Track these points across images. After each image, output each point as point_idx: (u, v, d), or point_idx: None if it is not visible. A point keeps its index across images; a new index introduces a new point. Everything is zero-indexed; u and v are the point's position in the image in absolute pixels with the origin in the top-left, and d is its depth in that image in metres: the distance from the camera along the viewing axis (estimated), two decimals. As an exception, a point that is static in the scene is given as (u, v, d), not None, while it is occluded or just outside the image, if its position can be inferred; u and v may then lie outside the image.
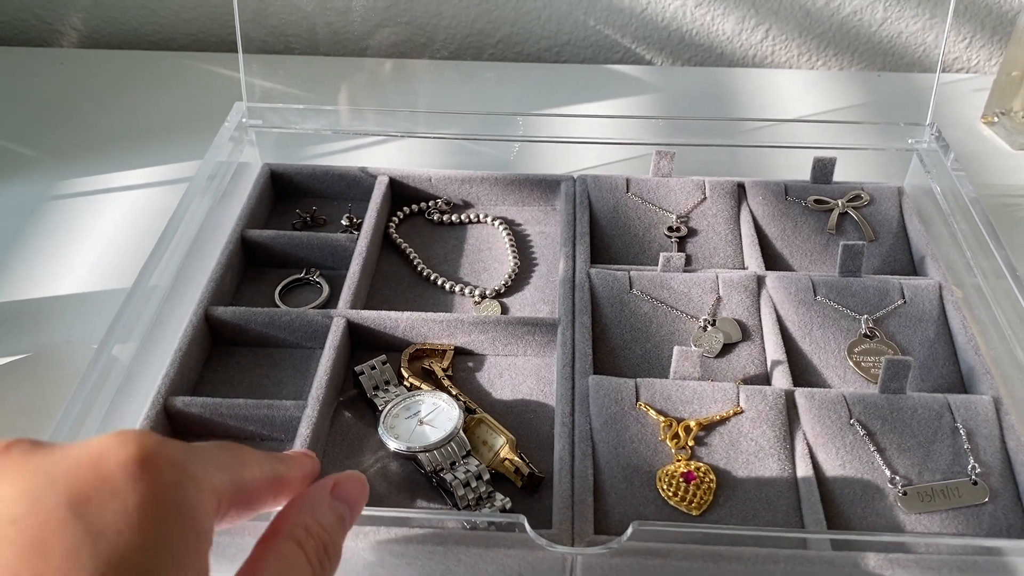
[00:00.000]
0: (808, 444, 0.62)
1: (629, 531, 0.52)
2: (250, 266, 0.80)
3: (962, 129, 1.07)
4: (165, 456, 0.34)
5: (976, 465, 0.60)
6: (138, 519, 0.31)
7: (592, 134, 0.90)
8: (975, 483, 0.60)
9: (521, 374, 0.71)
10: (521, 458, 0.63)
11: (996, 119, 1.06)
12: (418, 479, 0.63)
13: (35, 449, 0.33)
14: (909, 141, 0.86)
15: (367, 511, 0.57)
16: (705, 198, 0.83)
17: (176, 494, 0.33)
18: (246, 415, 0.64)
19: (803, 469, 0.60)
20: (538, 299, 0.79)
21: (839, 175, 0.85)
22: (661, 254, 0.74)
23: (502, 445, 0.64)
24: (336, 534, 0.40)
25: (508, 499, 0.60)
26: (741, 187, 0.84)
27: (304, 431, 0.62)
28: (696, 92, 1.14)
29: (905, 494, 0.59)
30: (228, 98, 0.89)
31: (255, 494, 0.39)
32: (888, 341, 0.70)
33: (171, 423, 0.65)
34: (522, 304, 0.78)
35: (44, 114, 1.07)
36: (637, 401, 0.63)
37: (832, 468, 0.61)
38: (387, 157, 0.96)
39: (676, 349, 0.65)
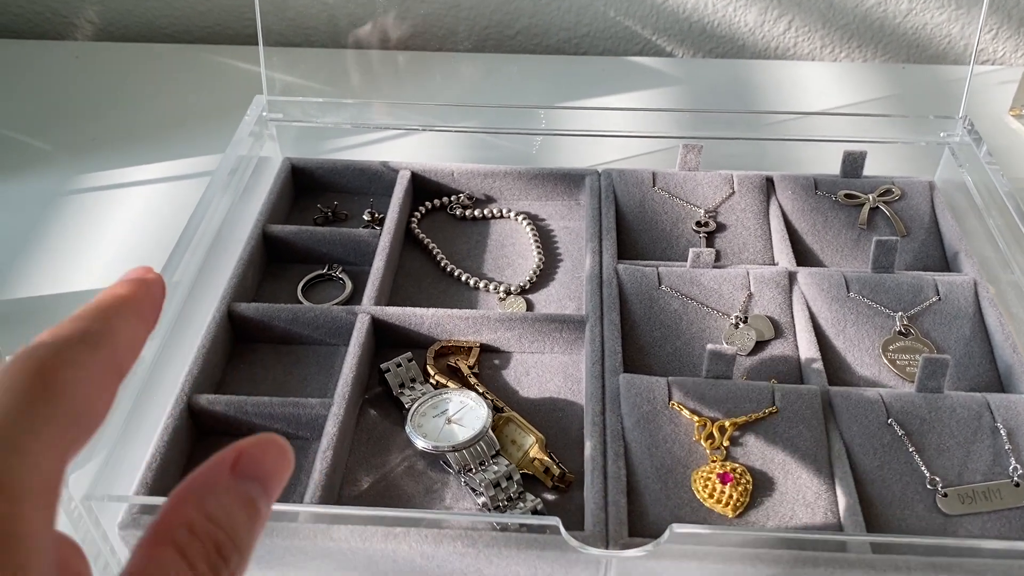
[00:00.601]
0: (845, 444, 0.61)
1: (667, 534, 0.51)
2: (272, 262, 0.79)
3: (989, 122, 1.05)
4: None
5: (1018, 466, 0.59)
6: None
7: (615, 128, 0.89)
8: (1017, 484, 0.58)
9: (548, 372, 0.70)
10: (551, 458, 0.62)
11: (1024, 112, 1.04)
12: (446, 479, 0.62)
13: None
14: (941, 135, 0.85)
15: (398, 512, 0.57)
16: (733, 192, 0.82)
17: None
18: (271, 413, 0.63)
19: (840, 470, 0.59)
20: (564, 295, 0.77)
21: (868, 169, 0.84)
22: (690, 250, 0.73)
23: (531, 444, 0.62)
24: (239, 527, 0.30)
25: (539, 500, 0.59)
26: (770, 181, 0.83)
27: (331, 429, 0.61)
28: (718, 85, 1.12)
29: (946, 496, 0.58)
30: (245, 91, 0.88)
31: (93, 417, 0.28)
32: (923, 339, 0.69)
33: (195, 421, 0.64)
34: (548, 300, 0.77)
35: (60, 108, 1.06)
36: (670, 400, 0.62)
37: (870, 469, 0.59)
38: (408, 151, 0.94)
39: (709, 347, 0.63)
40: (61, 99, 1.08)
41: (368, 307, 0.71)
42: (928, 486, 0.59)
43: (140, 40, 1.22)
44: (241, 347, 0.72)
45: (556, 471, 0.61)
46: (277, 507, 0.58)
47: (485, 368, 0.71)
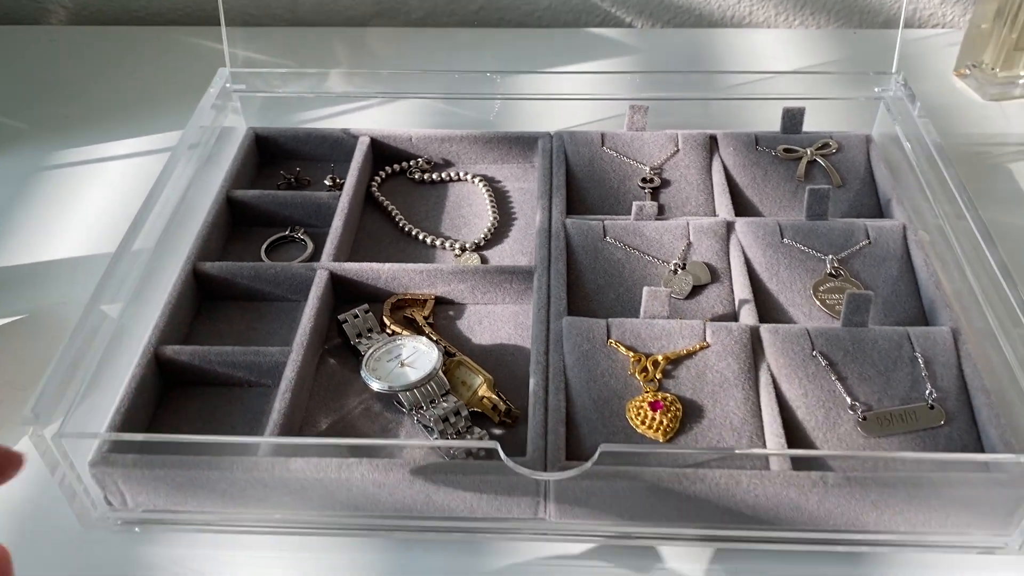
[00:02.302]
0: (772, 375, 0.65)
1: (596, 455, 0.55)
2: (237, 225, 0.83)
3: (936, 82, 1.09)
4: None
5: (933, 391, 0.63)
6: None
7: (569, 92, 0.93)
8: (932, 407, 0.62)
9: (499, 321, 0.74)
10: (499, 395, 0.66)
11: (968, 72, 1.08)
12: (400, 419, 0.66)
13: None
14: (876, 90, 0.88)
15: (349, 441, 0.61)
16: (678, 150, 0.85)
17: None
18: (233, 361, 0.67)
19: (767, 398, 0.63)
20: (516, 251, 0.81)
21: (810, 126, 0.88)
22: (634, 203, 0.77)
23: (480, 384, 0.66)
24: None
25: (485, 432, 0.63)
26: (713, 139, 0.87)
27: (290, 374, 0.64)
28: (675, 53, 1.16)
29: (865, 419, 0.62)
30: (215, 69, 0.91)
31: None
32: (852, 279, 0.73)
33: (161, 372, 0.67)
34: (501, 256, 0.81)
35: (35, 89, 1.09)
36: (608, 339, 0.66)
37: (795, 396, 0.63)
38: (369, 119, 0.98)
39: (646, 289, 0.67)
40: (37, 81, 1.11)
41: (327, 263, 0.74)
42: (849, 411, 0.63)
43: (113, 23, 1.25)
44: (207, 304, 0.75)
45: (503, 407, 0.65)
46: (239, 439, 0.62)
47: (440, 319, 0.75)
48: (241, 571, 0.60)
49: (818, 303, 0.71)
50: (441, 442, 0.60)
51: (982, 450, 0.61)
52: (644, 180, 0.83)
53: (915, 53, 1.14)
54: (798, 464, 0.58)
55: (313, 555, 0.60)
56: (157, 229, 0.73)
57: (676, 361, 0.65)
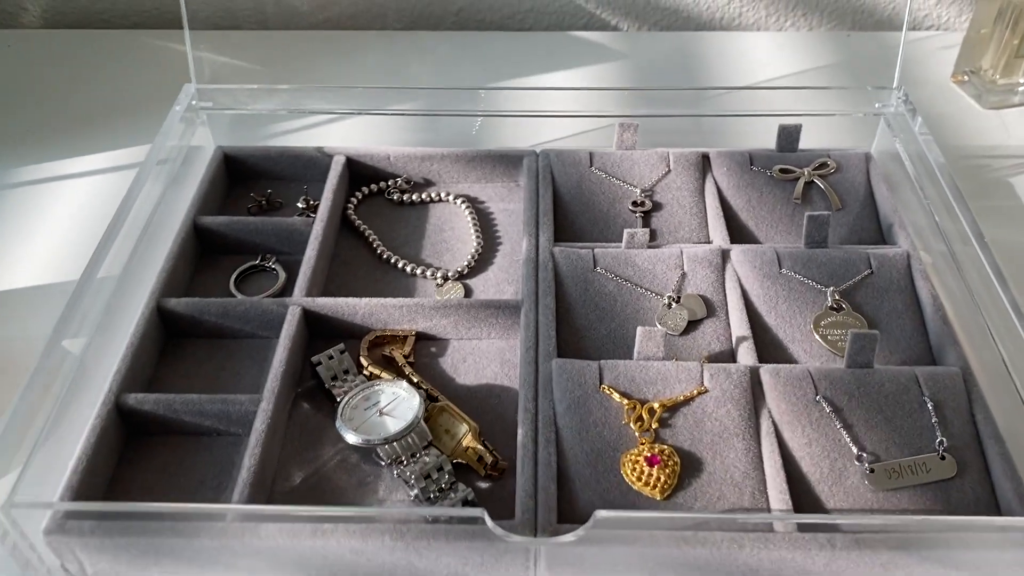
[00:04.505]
0: (774, 422, 0.61)
1: (591, 521, 0.51)
2: (204, 253, 0.78)
3: (932, 88, 1.05)
4: None
5: (944, 440, 0.60)
6: None
7: (556, 106, 0.88)
8: (943, 458, 0.59)
9: (485, 358, 0.70)
10: (485, 446, 0.62)
11: (966, 78, 1.05)
12: (379, 471, 0.62)
13: None
14: (876, 105, 0.85)
15: (328, 510, 0.57)
16: (669, 170, 0.81)
17: None
18: (201, 410, 0.63)
19: (769, 448, 0.60)
20: (502, 279, 0.77)
21: (806, 142, 0.84)
22: (625, 231, 0.73)
23: (464, 433, 0.62)
24: None
25: (470, 490, 0.59)
26: (706, 158, 0.83)
27: (259, 426, 0.60)
28: (663, 58, 1.12)
29: (872, 471, 0.58)
30: (182, 76, 0.86)
31: None
32: (855, 313, 0.69)
33: (124, 422, 0.63)
34: (486, 285, 0.77)
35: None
36: (601, 384, 0.62)
37: (798, 446, 0.60)
38: (344, 135, 0.93)
39: (639, 329, 0.63)
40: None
41: (299, 299, 0.70)
42: (856, 462, 0.59)
43: (78, 27, 1.20)
44: (172, 343, 0.71)
45: (489, 459, 0.61)
46: (205, 507, 0.58)
47: (421, 357, 0.70)
48: (209, 643, 0.56)
49: (819, 339, 0.68)
50: (425, 509, 0.56)
51: (996, 503, 0.58)
52: (635, 203, 0.79)
53: (910, 57, 1.10)
54: (804, 524, 0.55)
55: (286, 624, 0.57)
56: (121, 258, 0.69)
57: (672, 408, 0.61)
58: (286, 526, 0.54)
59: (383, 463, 0.61)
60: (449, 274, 0.77)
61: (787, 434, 0.61)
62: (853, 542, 0.53)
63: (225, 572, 0.56)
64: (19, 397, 0.57)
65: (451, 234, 0.82)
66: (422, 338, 0.71)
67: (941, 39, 1.16)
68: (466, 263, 0.78)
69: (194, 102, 0.83)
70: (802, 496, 0.58)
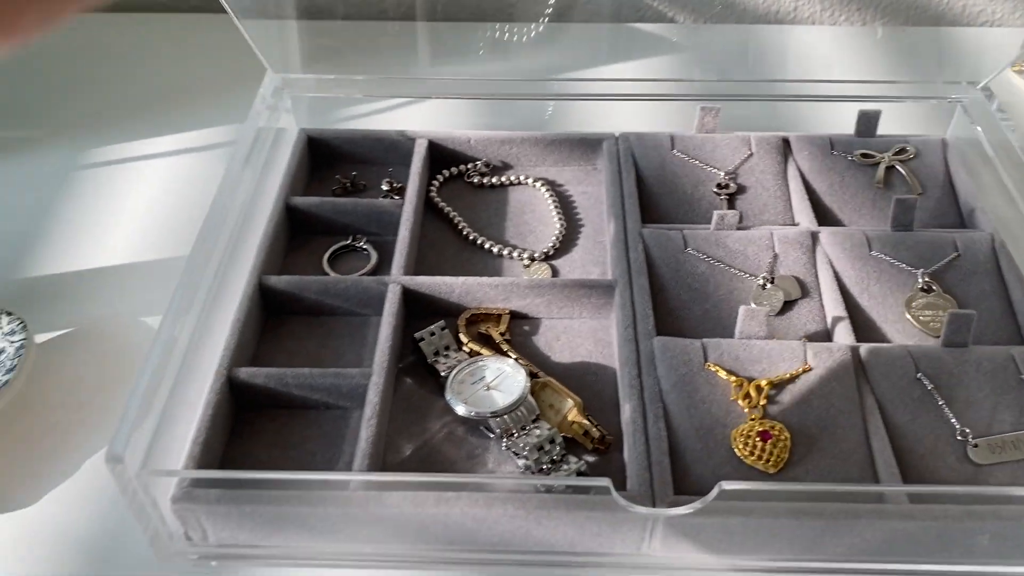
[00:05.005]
0: (876, 400, 0.62)
1: (716, 491, 0.52)
2: (295, 234, 0.79)
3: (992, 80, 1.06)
4: None
5: (1044, 416, 0.61)
6: None
7: (629, 92, 0.89)
8: (1044, 434, 0.60)
9: (578, 337, 0.71)
10: (590, 420, 0.63)
11: (1027, 68, 1.06)
12: (486, 444, 0.63)
13: None
14: (952, 95, 0.85)
15: (448, 478, 0.58)
16: (751, 154, 0.82)
17: None
18: (312, 384, 0.64)
19: (873, 424, 0.61)
20: (588, 261, 0.78)
21: (881, 129, 0.85)
22: (714, 212, 0.74)
23: (570, 408, 0.63)
24: None
25: (583, 461, 0.60)
26: (786, 142, 0.84)
27: (373, 398, 0.61)
28: (723, 50, 1.12)
29: (976, 446, 0.60)
30: (251, 61, 0.87)
31: None
32: (945, 295, 0.70)
33: (236, 395, 0.64)
34: (572, 266, 0.78)
35: (68, 80, 1.05)
36: (706, 362, 0.63)
37: (902, 423, 0.61)
38: (422, 119, 0.94)
39: (742, 308, 0.64)
40: (69, 71, 1.06)
41: (398, 277, 0.71)
42: (959, 437, 0.60)
43: (151, 10, 1.20)
44: (272, 320, 0.72)
45: (596, 434, 0.62)
46: (331, 475, 0.59)
47: (515, 335, 0.71)
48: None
49: (911, 319, 0.69)
50: (550, 479, 0.57)
51: (1099, 478, 0.59)
52: (719, 186, 0.80)
53: (966, 51, 1.11)
54: (914, 496, 0.56)
55: (405, 590, 0.58)
56: (222, 239, 0.70)
57: (779, 386, 0.62)
58: (410, 494, 0.55)
59: (494, 435, 0.62)
60: (536, 255, 0.78)
61: (890, 410, 0.62)
62: (964, 513, 0.54)
63: (346, 541, 0.57)
64: (138, 374, 0.58)
65: (532, 216, 0.83)
66: (515, 316, 0.72)
67: (993, 35, 1.17)
68: (551, 244, 0.79)
69: (278, 86, 0.84)
70: (908, 470, 0.59)
